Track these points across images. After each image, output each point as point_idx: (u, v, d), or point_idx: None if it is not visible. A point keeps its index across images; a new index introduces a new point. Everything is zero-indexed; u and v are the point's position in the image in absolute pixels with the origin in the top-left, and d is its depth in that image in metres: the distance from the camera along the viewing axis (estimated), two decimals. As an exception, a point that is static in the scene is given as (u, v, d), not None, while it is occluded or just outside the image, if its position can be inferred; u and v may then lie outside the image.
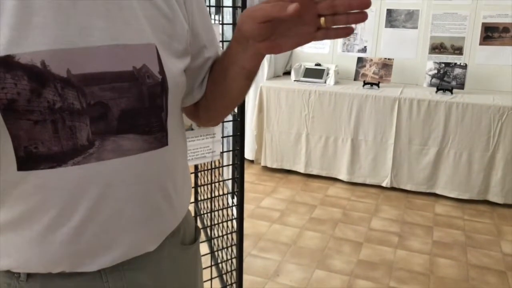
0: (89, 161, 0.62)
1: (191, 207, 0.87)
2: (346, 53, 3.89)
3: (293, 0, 0.56)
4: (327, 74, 3.64)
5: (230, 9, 1.79)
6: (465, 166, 3.15)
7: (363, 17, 0.59)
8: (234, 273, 1.93)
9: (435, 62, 3.52)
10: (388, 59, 3.66)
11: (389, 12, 3.72)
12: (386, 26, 3.74)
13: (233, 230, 1.92)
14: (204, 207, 2.57)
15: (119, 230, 0.67)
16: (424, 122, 3.20)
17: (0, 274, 0.67)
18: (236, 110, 1.72)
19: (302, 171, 3.62)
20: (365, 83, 3.52)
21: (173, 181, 0.74)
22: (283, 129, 3.62)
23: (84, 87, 0.60)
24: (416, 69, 3.65)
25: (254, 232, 2.78)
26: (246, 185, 2.18)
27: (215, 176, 2.10)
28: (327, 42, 3.88)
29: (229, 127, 1.88)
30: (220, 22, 1.83)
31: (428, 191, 3.31)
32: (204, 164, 2.33)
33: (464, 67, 3.41)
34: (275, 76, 3.92)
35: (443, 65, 3.48)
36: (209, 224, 2.12)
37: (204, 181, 2.37)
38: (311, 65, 3.75)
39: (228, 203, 2.07)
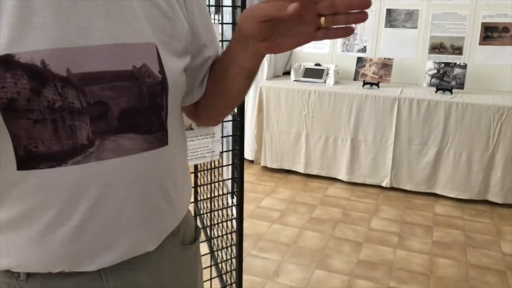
0: (89, 160, 0.62)
1: (191, 207, 0.87)
2: (346, 53, 3.89)
3: (293, -1, 0.56)
4: (327, 74, 3.64)
5: (230, 8, 1.79)
6: (464, 166, 3.15)
7: (363, 17, 0.59)
8: (233, 273, 1.93)
9: (435, 62, 3.52)
10: (388, 59, 3.66)
11: (389, 12, 3.72)
12: (385, 26, 3.74)
13: (232, 230, 1.92)
14: (203, 207, 2.57)
15: (119, 230, 0.67)
16: (424, 122, 3.20)
17: (-1, 273, 0.67)
18: (235, 110, 1.72)
19: (301, 171, 3.62)
20: (364, 83, 3.52)
21: (173, 180, 0.74)
22: (282, 129, 3.62)
23: (84, 86, 0.60)
24: (415, 69, 3.65)
25: (254, 232, 2.78)
26: (246, 185, 2.18)
27: (214, 176, 2.10)
28: (326, 42, 3.88)
29: (228, 127, 1.88)
30: (220, 22, 1.83)
31: (427, 191, 3.31)
32: (204, 164, 2.33)
33: (464, 67, 3.41)
34: (274, 76, 3.92)
35: (443, 65, 3.48)
36: (208, 224, 2.12)
37: (204, 181, 2.37)
38: (310, 65, 3.75)
39: (227, 203, 2.07)
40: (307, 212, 3.07)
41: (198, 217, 2.60)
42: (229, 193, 2.07)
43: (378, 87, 3.46)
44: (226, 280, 2.03)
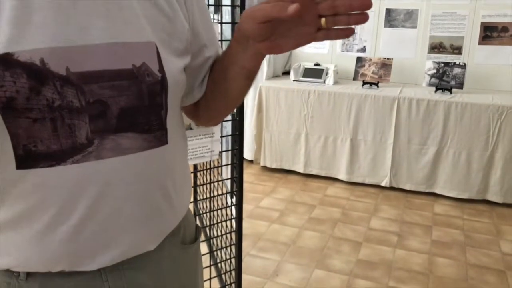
0: (88, 159, 0.61)
1: (190, 207, 0.87)
2: (345, 53, 3.89)
3: (293, 0, 0.56)
4: (326, 74, 3.64)
5: (229, 8, 1.79)
6: (464, 166, 3.15)
7: (364, 18, 0.58)
8: (233, 272, 1.93)
9: (434, 62, 3.52)
10: (387, 58, 3.66)
11: (388, 11, 3.72)
12: (385, 26, 3.74)
13: (232, 230, 1.92)
14: (203, 207, 2.57)
15: (118, 229, 0.67)
16: (423, 122, 3.20)
17: (-1, 273, 0.67)
18: (235, 109, 1.72)
19: (301, 171, 3.62)
20: (364, 83, 3.52)
21: (172, 180, 0.74)
22: (282, 129, 3.62)
23: (83, 85, 0.60)
24: (415, 68, 3.65)
25: (253, 232, 2.77)
26: (245, 185, 2.18)
27: (214, 175, 2.10)
28: (326, 42, 3.88)
29: (228, 127, 1.88)
30: (219, 21, 1.83)
31: (427, 190, 3.31)
32: (203, 163, 2.33)
33: (463, 66, 3.41)
34: (274, 76, 3.92)
35: (442, 64, 3.48)
36: (208, 223, 2.12)
37: (203, 181, 2.37)
38: (310, 65, 3.75)
39: (227, 203, 2.07)
40: (307, 212, 3.07)
41: (197, 217, 2.60)
42: (229, 192, 2.07)
43: (378, 87, 3.46)
44: (226, 280, 2.03)
